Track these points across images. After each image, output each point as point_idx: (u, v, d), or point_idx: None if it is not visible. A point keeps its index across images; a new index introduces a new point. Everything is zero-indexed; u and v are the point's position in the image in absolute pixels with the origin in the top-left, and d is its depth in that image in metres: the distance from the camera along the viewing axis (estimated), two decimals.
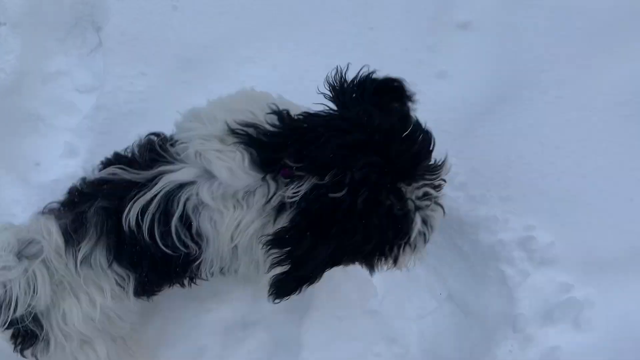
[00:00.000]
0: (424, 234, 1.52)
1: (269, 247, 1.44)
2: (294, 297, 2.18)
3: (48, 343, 1.67)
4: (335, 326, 2.13)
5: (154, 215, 1.55)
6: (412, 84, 1.64)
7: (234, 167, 1.52)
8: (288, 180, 1.47)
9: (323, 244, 1.42)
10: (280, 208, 1.50)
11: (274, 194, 1.50)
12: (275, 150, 1.50)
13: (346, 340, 2.12)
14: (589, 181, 2.24)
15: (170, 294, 2.20)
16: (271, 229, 1.50)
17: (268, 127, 1.54)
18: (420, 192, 1.46)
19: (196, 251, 1.59)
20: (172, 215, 1.54)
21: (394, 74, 1.61)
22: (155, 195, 1.54)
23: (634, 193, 2.24)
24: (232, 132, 1.55)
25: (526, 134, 2.28)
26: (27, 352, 1.71)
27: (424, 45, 2.47)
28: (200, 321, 2.22)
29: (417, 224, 1.47)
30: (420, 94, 1.68)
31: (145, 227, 1.55)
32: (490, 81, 2.37)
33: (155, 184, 1.55)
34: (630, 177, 2.25)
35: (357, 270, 2.22)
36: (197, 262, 1.63)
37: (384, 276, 2.34)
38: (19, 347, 1.70)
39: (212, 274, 1.72)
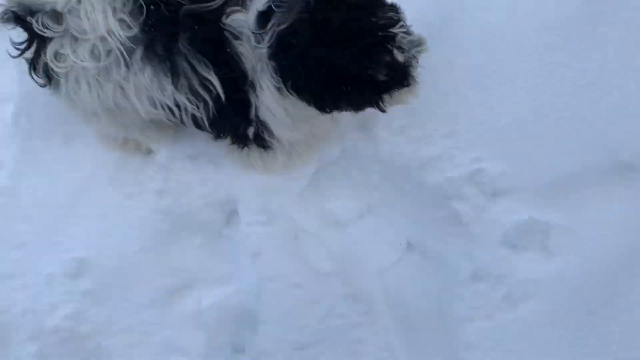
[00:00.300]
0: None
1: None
2: (247, 266, 2.12)
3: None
4: (293, 294, 2.05)
5: None
6: None
7: None
8: None
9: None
10: None
11: None
12: None
13: (306, 307, 2.04)
14: (530, 103, 2.16)
15: (126, 292, 2.13)
16: None
17: None
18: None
19: None
20: None
21: None
22: None
23: (576, 108, 2.16)
24: None
25: (459, 67, 2.19)
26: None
27: None
28: (158, 314, 2.13)
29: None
30: None
31: None
32: (416, 20, 2.27)
33: None
34: (572, 91, 2.17)
35: (308, 235, 2.16)
36: None
37: (341, 235, 2.28)
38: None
39: None
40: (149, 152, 2.21)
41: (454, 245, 2.15)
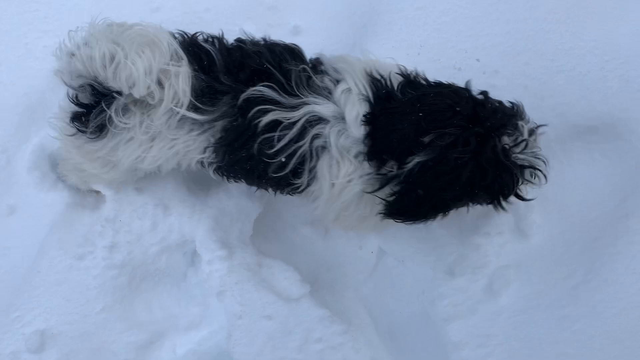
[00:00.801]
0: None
1: (383, 215, 1.67)
2: (215, 306, 2.04)
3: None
4: (266, 327, 1.95)
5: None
6: None
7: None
8: None
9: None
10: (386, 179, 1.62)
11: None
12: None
13: (282, 337, 1.94)
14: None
15: (96, 356, 2.04)
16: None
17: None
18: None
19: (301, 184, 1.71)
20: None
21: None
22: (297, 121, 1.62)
23: (528, 79, 2.08)
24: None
25: (396, 57, 2.10)
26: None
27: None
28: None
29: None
30: None
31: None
32: (345, 23, 2.21)
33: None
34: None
35: (272, 260, 2.07)
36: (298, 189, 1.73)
37: (311, 254, 2.20)
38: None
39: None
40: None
41: (424, 242, 2.07)
